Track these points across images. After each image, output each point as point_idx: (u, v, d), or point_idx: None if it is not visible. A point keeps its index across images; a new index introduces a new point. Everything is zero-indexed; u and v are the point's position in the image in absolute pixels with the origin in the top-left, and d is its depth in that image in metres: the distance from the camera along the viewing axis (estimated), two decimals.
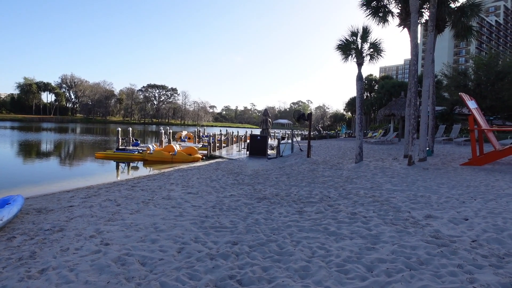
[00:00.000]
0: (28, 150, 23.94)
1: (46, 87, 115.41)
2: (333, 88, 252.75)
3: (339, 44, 12.90)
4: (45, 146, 27.92)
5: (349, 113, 68.62)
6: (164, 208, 6.54)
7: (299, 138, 32.68)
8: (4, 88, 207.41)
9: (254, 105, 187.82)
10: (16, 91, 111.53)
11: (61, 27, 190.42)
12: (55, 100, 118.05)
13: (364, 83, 46.21)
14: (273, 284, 3.19)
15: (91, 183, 10.89)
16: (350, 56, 12.90)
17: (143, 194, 8.05)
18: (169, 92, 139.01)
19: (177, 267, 3.65)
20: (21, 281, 3.44)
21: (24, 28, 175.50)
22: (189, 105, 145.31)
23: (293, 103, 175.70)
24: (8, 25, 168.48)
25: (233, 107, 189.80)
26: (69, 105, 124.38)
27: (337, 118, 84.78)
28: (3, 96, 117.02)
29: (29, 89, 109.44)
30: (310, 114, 17.19)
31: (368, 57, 12.87)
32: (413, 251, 3.92)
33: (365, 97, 56.24)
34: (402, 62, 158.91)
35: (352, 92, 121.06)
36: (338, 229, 4.90)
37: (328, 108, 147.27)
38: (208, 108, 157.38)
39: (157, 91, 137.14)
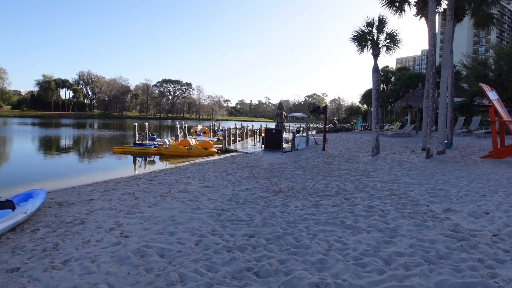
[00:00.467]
0: (49, 146, 24.57)
1: (64, 84, 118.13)
2: (348, 80, 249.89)
3: (355, 35, 12.70)
4: (65, 142, 28.59)
5: (365, 105, 67.64)
6: (181, 201, 6.62)
7: (314, 131, 32.47)
8: (24, 86, 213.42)
9: (269, 99, 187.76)
10: (36, 88, 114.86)
11: (77, 24, 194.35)
12: (73, 97, 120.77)
13: (380, 75, 45.30)
14: (290, 277, 3.20)
15: (109, 177, 11.11)
16: (366, 47, 12.70)
17: (160, 188, 8.17)
18: (183, 87, 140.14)
19: (195, 259, 3.71)
20: (45, 271, 3.56)
21: (42, 26, 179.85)
22: (204, 100, 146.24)
23: (308, 96, 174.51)
24: (27, 24, 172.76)
25: (247, 101, 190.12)
26: (87, 101, 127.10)
27: (352, 110, 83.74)
28: (23, 94, 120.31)
29: (48, 86, 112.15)
30: (325, 107, 17.04)
31: (385, 48, 12.64)
32: (431, 245, 3.86)
33: (381, 89, 55.25)
34: (419, 53, 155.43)
35: (368, 84, 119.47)
36: (355, 223, 4.87)
37: (344, 101, 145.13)
38: (223, 102, 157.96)
39: (172, 86, 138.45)
